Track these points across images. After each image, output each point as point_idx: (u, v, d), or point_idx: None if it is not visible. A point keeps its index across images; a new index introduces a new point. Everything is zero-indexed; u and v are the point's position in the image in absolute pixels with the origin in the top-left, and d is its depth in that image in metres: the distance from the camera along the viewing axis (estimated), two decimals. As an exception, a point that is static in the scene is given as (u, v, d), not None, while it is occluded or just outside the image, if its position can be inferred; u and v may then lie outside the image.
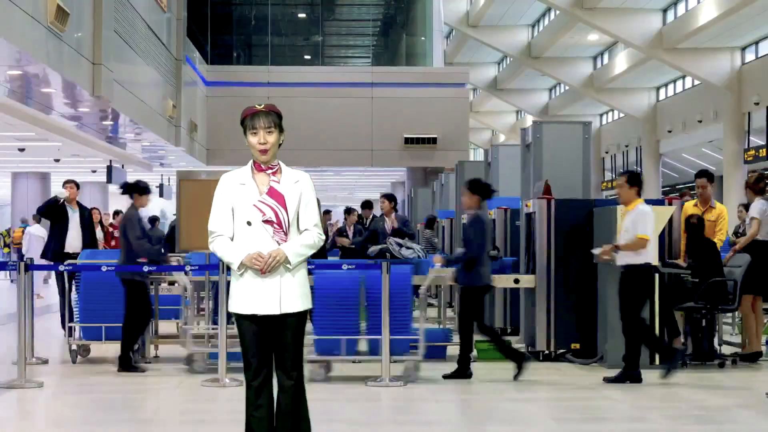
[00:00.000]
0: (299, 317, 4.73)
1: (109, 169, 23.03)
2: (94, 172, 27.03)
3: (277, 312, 4.66)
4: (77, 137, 18.66)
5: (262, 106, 4.74)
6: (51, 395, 8.20)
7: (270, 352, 4.72)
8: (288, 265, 4.66)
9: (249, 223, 4.67)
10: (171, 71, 20.24)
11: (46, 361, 9.71)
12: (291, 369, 4.71)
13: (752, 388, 8.40)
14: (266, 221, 4.67)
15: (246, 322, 4.69)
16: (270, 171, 4.74)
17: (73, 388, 8.77)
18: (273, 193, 4.69)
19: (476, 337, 9.09)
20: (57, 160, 23.87)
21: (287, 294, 4.67)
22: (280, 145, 4.74)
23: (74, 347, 9.82)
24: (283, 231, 4.68)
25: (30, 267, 8.84)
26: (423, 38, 31.64)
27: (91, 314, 9.67)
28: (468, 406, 7.61)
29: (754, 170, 28.68)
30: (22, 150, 21.13)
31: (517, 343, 10.65)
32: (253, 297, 4.66)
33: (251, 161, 4.77)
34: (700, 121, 31.65)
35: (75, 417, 7.51)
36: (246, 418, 4.74)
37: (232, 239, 4.71)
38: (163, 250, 10.00)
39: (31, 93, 13.45)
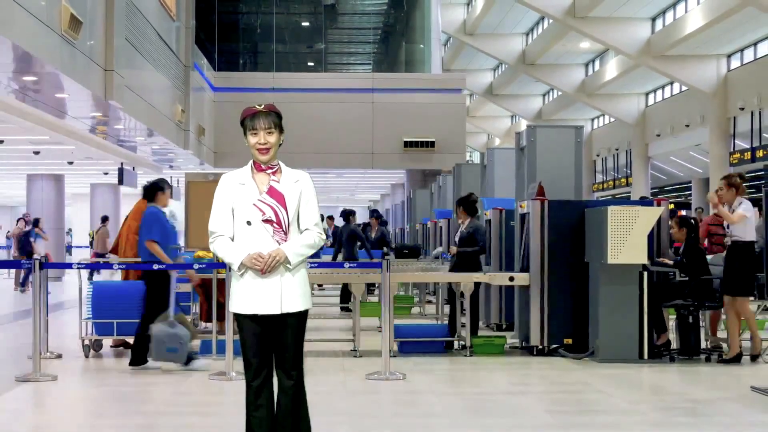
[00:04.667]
0: (299, 317, 4.58)
1: (121, 171, 23.01)
2: (106, 174, 27.02)
3: (277, 312, 4.51)
4: (90, 140, 18.65)
5: (262, 106, 4.59)
6: (64, 388, 8.19)
7: (270, 352, 4.57)
8: (288, 265, 4.51)
9: (249, 223, 4.51)
10: (180, 77, 20.23)
11: (59, 356, 9.71)
12: (291, 369, 4.57)
13: (738, 381, 8.39)
14: (266, 221, 4.51)
15: (247, 322, 4.55)
16: (270, 171, 4.59)
17: (85, 382, 8.77)
18: (273, 192, 4.54)
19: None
20: (70, 163, 23.85)
21: (288, 294, 4.53)
22: (280, 145, 4.60)
23: (87, 342, 9.82)
24: (283, 230, 4.53)
25: (44, 265, 8.84)
26: (421, 46, 31.63)
27: (103, 310, 9.66)
28: (465, 398, 7.60)
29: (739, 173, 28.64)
30: (36, 153, 21.12)
31: (512, 338, 10.67)
32: (253, 297, 4.51)
33: (251, 161, 4.63)
34: (688, 126, 31.65)
35: (87, 409, 7.51)
36: (246, 417, 4.59)
37: (232, 239, 4.56)
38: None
39: (46, 98, 13.43)
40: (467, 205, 10.59)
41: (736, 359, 9.29)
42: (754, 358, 9.39)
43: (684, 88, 32.03)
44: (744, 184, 9.55)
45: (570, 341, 9.78)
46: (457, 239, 10.65)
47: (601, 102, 37.37)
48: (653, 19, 30.33)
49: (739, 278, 9.24)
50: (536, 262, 9.86)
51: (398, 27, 34.21)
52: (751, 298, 9.62)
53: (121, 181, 23.35)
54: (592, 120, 43.49)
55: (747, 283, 9.31)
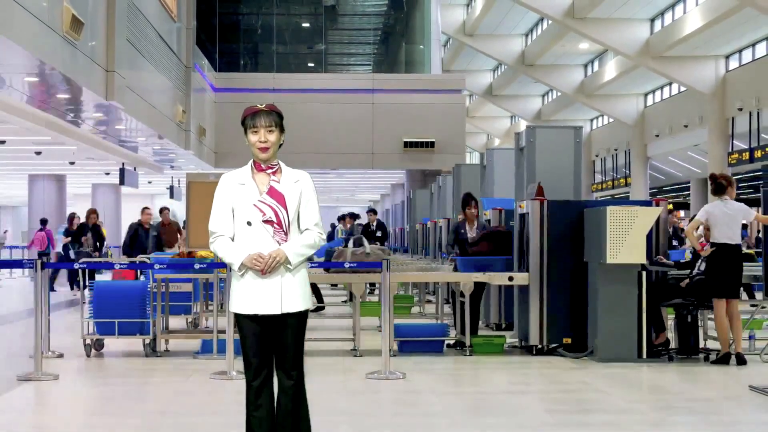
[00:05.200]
0: (300, 317, 4.55)
1: (122, 171, 22.99)
2: (107, 174, 26.99)
3: (277, 312, 4.48)
4: (91, 141, 18.64)
5: (264, 105, 4.57)
6: (65, 387, 8.19)
7: (270, 352, 4.54)
8: (288, 266, 4.48)
9: (249, 223, 4.48)
10: (181, 78, 20.22)
11: (61, 355, 9.71)
12: (291, 369, 4.53)
13: (736, 380, 8.39)
14: (266, 221, 4.48)
15: (247, 322, 4.52)
16: (270, 170, 4.56)
17: (87, 381, 8.77)
18: (273, 192, 4.51)
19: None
20: (72, 163, 23.82)
21: (288, 294, 4.49)
22: (280, 145, 4.57)
23: (88, 342, 9.82)
24: (284, 231, 4.49)
25: (46, 265, 8.84)
26: (421, 47, 31.62)
27: (105, 310, 9.66)
28: (465, 398, 7.60)
29: (735, 174, 28.65)
30: (38, 153, 21.10)
31: (511, 338, 10.67)
32: (253, 297, 4.48)
33: (251, 161, 4.59)
34: (686, 126, 31.65)
35: (88, 408, 7.51)
36: (246, 417, 4.56)
37: (232, 239, 4.53)
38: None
39: (48, 99, 13.43)
40: (469, 204, 10.65)
41: (727, 358, 9.21)
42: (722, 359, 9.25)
43: (683, 88, 32.04)
44: (712, 185, 9.34)
45: (569, 341, 9.78)
46: (470, 240, 10.63)
47: (600, 102, 37.37)
48: (652, 20, 30.33)
49: (715, 281, 9.20)
50: (535, 262, 9.86)
51: (398, 28, 34.20)
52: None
53: (122, 182, 23.33)
54: (591, 120, 43.49)
55: (722, 285, 9.19)
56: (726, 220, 9.16)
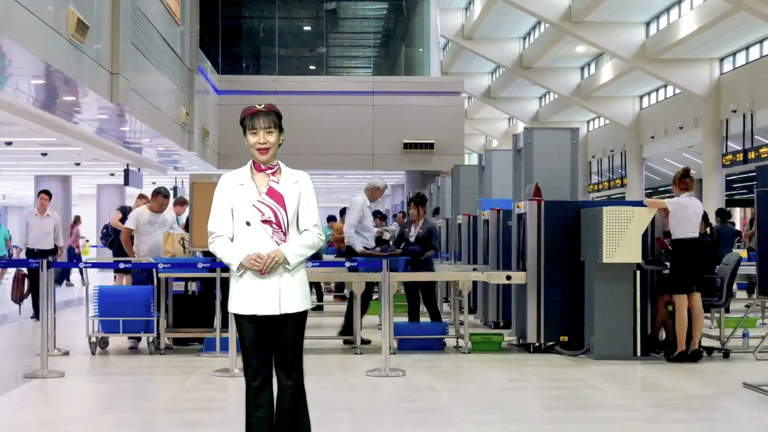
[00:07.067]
0: (299, 317, 4.49)
1: (126, 172, 23.00)
2: (112, 175, 27.00)
3: (276, 312, 4.42)
4: (96, 142, 18.65)
5: (262, 106, 4.50)
6: (71, 384, 8.19)
7: (270, 352, 4.49)
8: (287, 266, 4.42)
9: (248, 224, 4.42)
10: (184, 80, 20.24)
11: (67, 353, 9.71)
12: (291, 369, 4.48)
13: (731, 378, 8.39)
14: (265, 221, 4.42)
15: (246, 323, 4.46)
16: (269, 171, 4.50)
17: (92, 378, 8.76)
18: (272, 193, 4.45)
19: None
20: (77, 164, 23.84)
21: (287, 294, 4.44)
22: (279, 145, 4.50)
23: (93, 340, 9.82)
24: (282, 231, 4.44)
25: (52, 264, 8.84)
26: (421, 50, 31.64)
27: (109, 308, 9.66)
28: (463, 394, 7.60)
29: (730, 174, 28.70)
30: (44, 154, 21.11)
31: (509, 336, 10.67)
32: (252, 297, 4.43)
33: (250, 161, 4.54)
34: (681, 128, 31.65)
35: (93, 405, 7.51)
36: (246, 417, 4.51)
37: (232, 239, 4.48)
38: None
39: (53, 101, 13.43)
40: (425, 204, 10.63)
41: (684, 356, 9.15)
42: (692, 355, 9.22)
43: (678, 91, 32.04)
44: (687, 179, 9.37)
45: (566, 339, 9.79)
46: (412, 239, 10.63)
47: (596, 105, 37.39)
48: (647, 24, 30.34)
49: (678, 276, 9.16)
50: (533, 261, 9.86)
51: (398, 31, 34.21)
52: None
53: (126, 182, 23.34)
54: (588, 122, 43.50)
55: (686, 280, 9.16)
56: (688, 214, 9.18)
